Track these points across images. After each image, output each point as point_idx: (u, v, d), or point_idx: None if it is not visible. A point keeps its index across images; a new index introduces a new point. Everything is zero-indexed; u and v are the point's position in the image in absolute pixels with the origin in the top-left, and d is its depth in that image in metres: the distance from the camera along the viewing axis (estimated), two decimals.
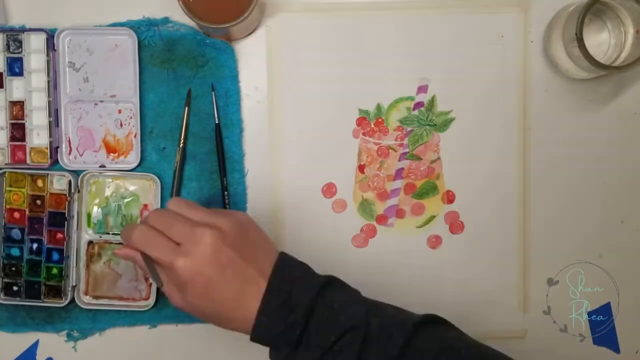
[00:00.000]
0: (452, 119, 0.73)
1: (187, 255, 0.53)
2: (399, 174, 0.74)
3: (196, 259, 0.53)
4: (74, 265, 0.72)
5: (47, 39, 0.70)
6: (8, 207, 0.71)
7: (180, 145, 0.71)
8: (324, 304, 0.54)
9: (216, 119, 0.72)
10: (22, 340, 0.73)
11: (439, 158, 0.74)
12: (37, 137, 0.71)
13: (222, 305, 0.54)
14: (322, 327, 0.53)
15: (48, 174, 0.71)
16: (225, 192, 0.72)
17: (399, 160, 0.73)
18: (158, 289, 0.72)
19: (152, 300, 0.72)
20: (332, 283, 0.56)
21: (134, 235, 0.56)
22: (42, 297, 0.71)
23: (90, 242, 0.73)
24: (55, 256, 0.71)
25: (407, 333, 0.54)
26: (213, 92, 0.72)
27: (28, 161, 0.71)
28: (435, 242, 0.74)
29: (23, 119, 0.71)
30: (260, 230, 0.58)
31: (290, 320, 0.53)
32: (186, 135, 0.72)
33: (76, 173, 0.72)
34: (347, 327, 0.53)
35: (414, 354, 0.53)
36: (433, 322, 0.56)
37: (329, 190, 0.74)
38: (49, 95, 0.70)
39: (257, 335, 0.54)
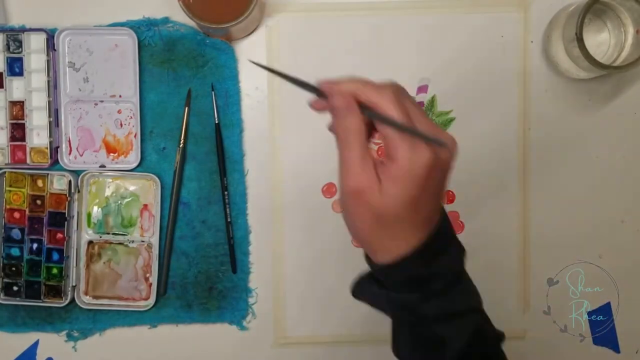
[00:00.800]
0: (452, 119, 0.73)
1: (435, 154, 0.47)
2: None
3: (439, 166, 0.47)
4: (74, 265, 0.72)
5: (47, 39, 0.70)
6: (8, 207, 0.71)
7: (180, 145, 0.71)
8: (463, 278, 0.53)
9: (216, 119, 0.72)
10: (22, 340, 0.73)
11: None
12: (37, 137, 0.71)
13: (404, 223, 0.48)
14: (455, 295, 0.51)
15: (48, 174, 0.71)
16: (225, 192, 0.72)
17: None
18: (158, 289, 0.72)
19: (152, 300, 0.72)
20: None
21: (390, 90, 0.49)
22: (42, 297, 0.71)
23: (90, 242, 0.73)
24: (55, 256, 0.71)
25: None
26: (213, 92, 0.72)
27: (28, 161, 0.71)
28: None
29: (23, 119, 0.71)
30: None
31: (437, 272, 0.50)
32: (186, 135, 0.72)
33: (76, 173, 0.72)
34: (472, 309, 0.52)
35: None
36: None
37: (329, 190, 0.74)
38: (49, 95, 0.70)
39: (396, 266, 0.49)
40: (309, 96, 0.73)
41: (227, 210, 0.72)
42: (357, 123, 0.48)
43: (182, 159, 0.72)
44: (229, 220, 0.72)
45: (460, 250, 0.53)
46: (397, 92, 0.49)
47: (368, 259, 0.52)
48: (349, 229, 0.50)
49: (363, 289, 0.54)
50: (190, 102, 0.72)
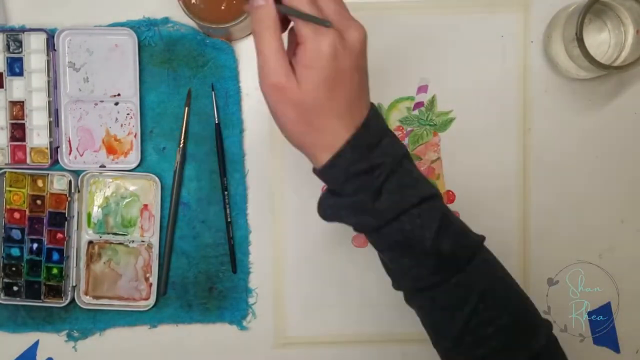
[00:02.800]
0: (452, 119, 0.73)
1: (340, 36, 0.49)
2: None
3: (347, 49, 0.49)
4: (74, 265, 0.72)
5: (47, 39, 0.70)
6: (8, 207, 0.71)
7: (181, 146, 0.71)
8: (406, 166, 0.52)
9: (216, 119, 0.72)
10: (22, 340, 0.73)
11: (439, 158, 0.74)
12: (37, 137, 0.71)
13: (326, 111, 0.50)
14: (403, 186, 0.51)
15: (48, 174, 0.71)
16: (225, 192, 0.72)
17: None
18: (158, 289, 0.72)
19: (152, 300, 0.72)
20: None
21: None
22: (42, 297, 0.71)
23: (90, 242, 0.73)
24: (56, 256, 0.71)
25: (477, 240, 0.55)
26: (213, 92, 0.72)
27: (28, 161, 0.71)
28: None
29: (23, 119, 0.71)
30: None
31: (375, 162, 0.50)
32: (186, 135, 0.72)
33: (76, 173, 0.72)
34: (426, 196, 0.51)
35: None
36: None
37: None
38: (49, 95, 0.70)
39: (334, 164, 0.50)
40: None
41: (227, 210, 0.72)
42: (270, 16, 0.48)
43: (182, 159, 0.72)
44: (229, 220, 0.72)
45: (395, 141, 0.52)
46: None
47: (314, 171, 0.53)
48: (282, 133, 0.51)
49: (326, 209, 0.54)
50: (190, 102, 0.72)
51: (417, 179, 0.52)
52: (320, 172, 0.52)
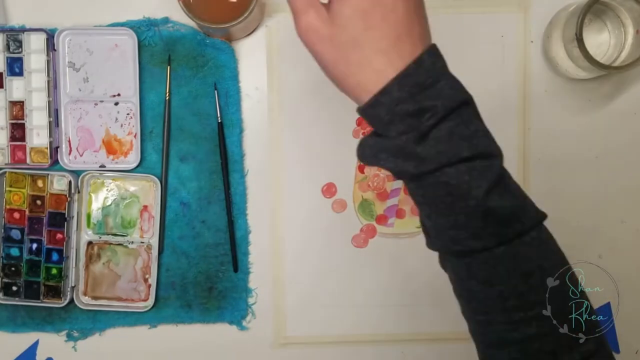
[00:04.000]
0: None
1: None
2: None
3: None
4: (74, 265, 0.72)
5: (47, 39, 0.70)
6: (8, 207, 0.71)
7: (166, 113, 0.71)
8: (465, 115, 0.47)
9: (219, 118, 0.72)
10: (22, 340, 0.73)
11: None
12: (37, 137, 0.71)
13: (365, 45, 0.46)
14: (455, 136, 0.45)
15: (48, 174, 0.71)
16: (229, 191, 0.72)
17: None
18: (157, 290, 0.72)
19: (150, 301, 0.72)
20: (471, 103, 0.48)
21: None
22: (41, 297, 0.71)
23: (89, 243, 0.73)
24: (55, 256, 0.71)
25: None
26: (216, 91, 0.72)
27: (28, 161, 0.71)
28: None
29: (23, 119, 0.71)
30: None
31: (425, 105, 0.45)
32: (170, 97, 0.72)
33: (76, 173, 0.72)
34: (483, 153, 0.46)
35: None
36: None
37: (329, 190, 0.74)
38: (49, 95, 0.70)
39: (377, 103, 0.46)
40: (310, 96, 0.73)
41: (230, 208, 0.72)
42: None
43: (167, 139, 0.72)
44: (231, 218, 0.72)
45: (455, 86, 0.48)
46: None
47: (358, 110, 0.48)
48: (328, 77, 0.49)
49: (365, 148, 0.49)
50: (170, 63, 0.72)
51: (476, 132, 0.47)
52: (362, 111, 0.47)
